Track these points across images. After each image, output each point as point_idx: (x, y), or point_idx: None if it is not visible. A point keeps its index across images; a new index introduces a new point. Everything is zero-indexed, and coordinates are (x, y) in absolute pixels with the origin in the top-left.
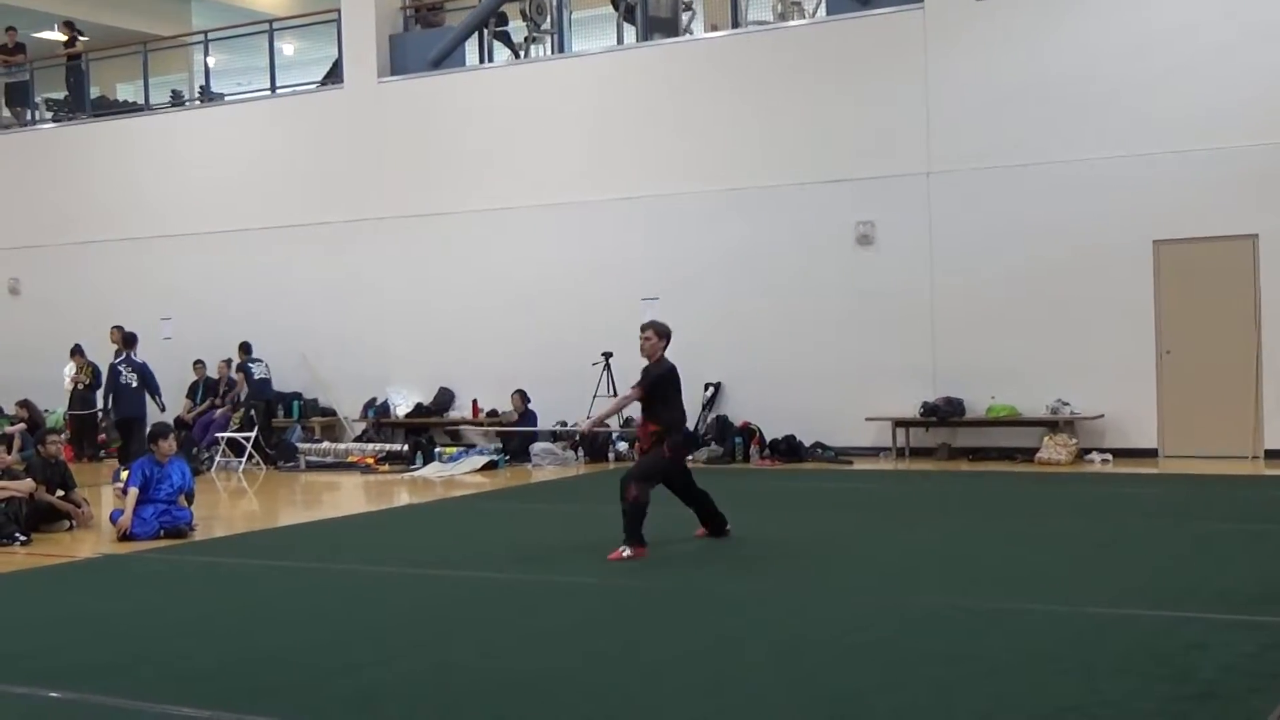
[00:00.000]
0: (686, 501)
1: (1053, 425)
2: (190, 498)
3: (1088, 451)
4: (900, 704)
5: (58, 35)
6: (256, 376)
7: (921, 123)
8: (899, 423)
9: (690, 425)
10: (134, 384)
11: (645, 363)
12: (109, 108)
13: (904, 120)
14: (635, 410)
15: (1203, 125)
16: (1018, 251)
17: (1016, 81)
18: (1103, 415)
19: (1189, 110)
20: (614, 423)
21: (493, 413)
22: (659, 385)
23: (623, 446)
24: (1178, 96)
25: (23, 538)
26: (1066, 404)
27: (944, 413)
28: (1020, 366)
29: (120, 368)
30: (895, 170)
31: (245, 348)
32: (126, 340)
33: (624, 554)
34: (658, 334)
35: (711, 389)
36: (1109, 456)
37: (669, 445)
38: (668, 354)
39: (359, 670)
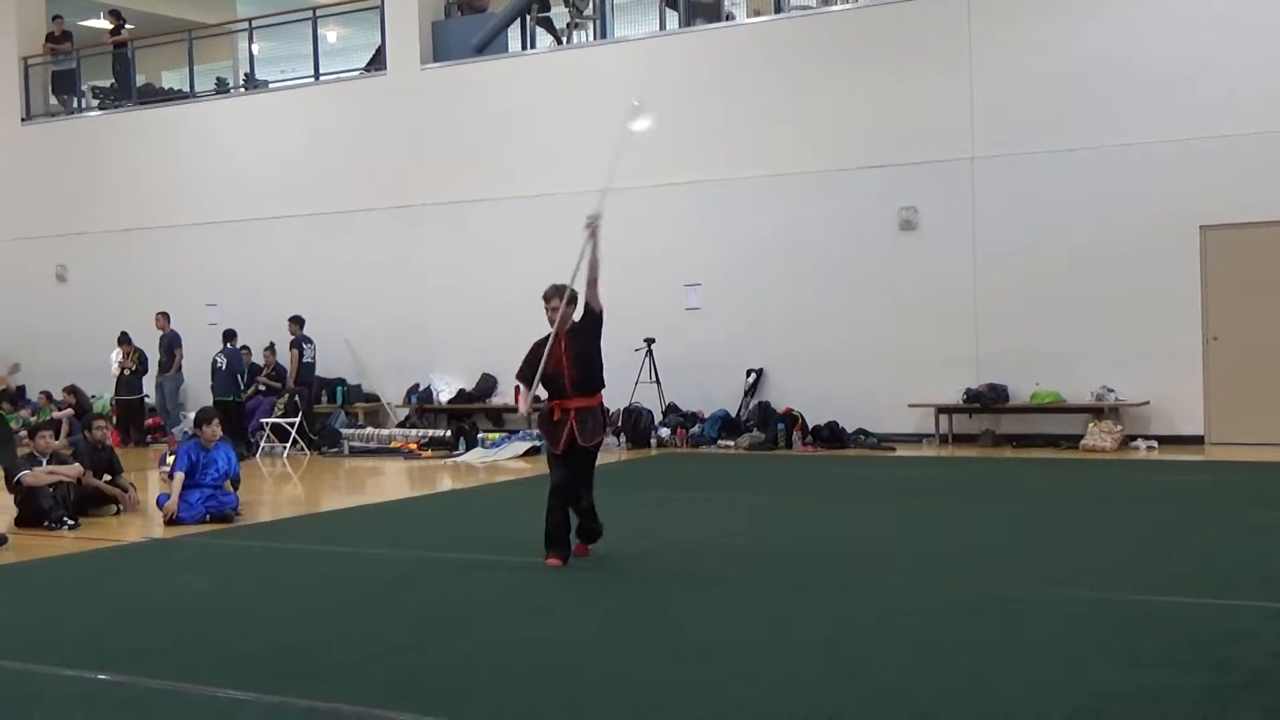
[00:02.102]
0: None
1: (1098, 412)
2: (236, 483)
3: (1133, 438)
4: (941, 691)
5: (104, 23)
6: (304, 359)
7: (965, 108)
8: (942, 409)
9: (732, 411)
10: (223, 367)
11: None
12: (154, 95)
13: (947, 105)
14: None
15: (1250, 109)
16: (1062, 237)
17: (1061, 65)
18: (1148, 402)
19: (1236, 94)
20: (655, 409)
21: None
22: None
23: (665, 433)
24: (1224, 80)
25: (70, 522)
26: (1112, 390)
27: (987, 399)
28: (1065, 352)
29: (217, 357)
30: (939, 156)
31: (298, 321)
32: (226, 336)
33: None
34: (567, 303)
35: (754, 375)
36: (1154, 443)
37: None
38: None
39: (400, 654)
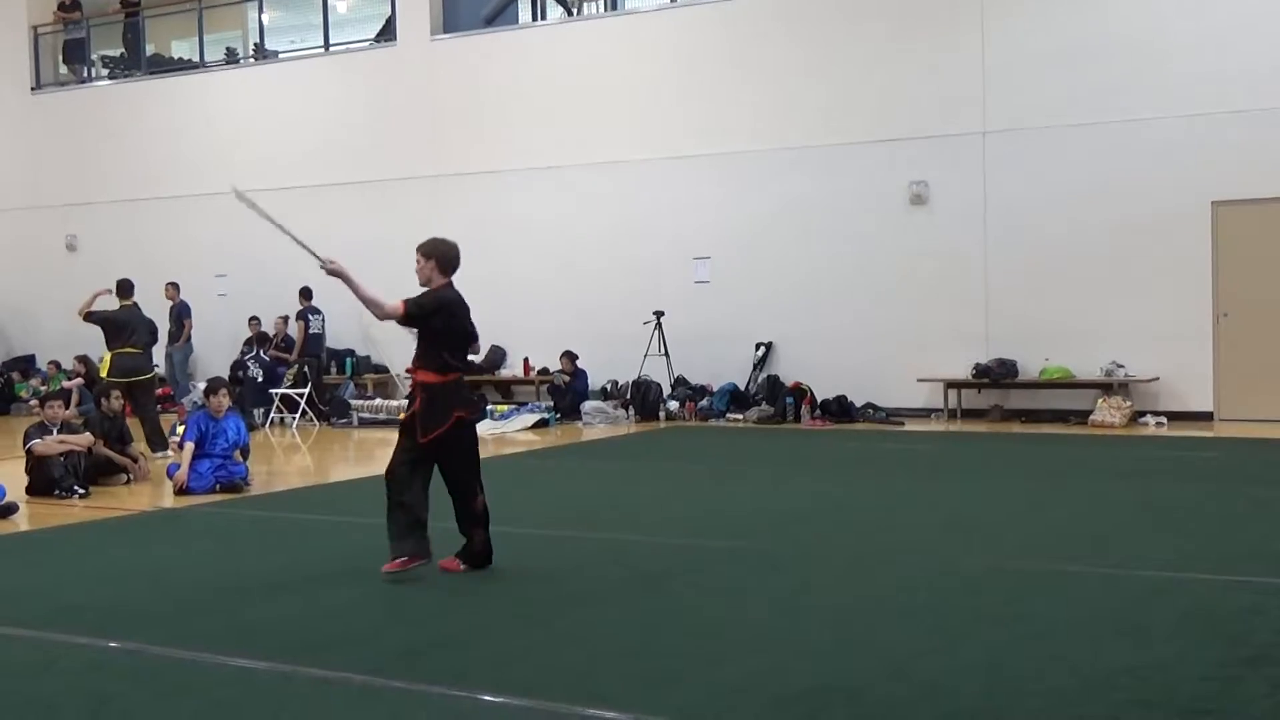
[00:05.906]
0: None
1: (1107, 388)
2: (245, 453)
3: (1142, 414)
4: (951, 665)
5: None
6: (312, 330)
7: (978, 82)
8: (951, 384)
9: (741, 385)
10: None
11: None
12: (164, 65)
13: (960, 79)
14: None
15: (1263, 84)
16: (1073, 212)
17: (1074, 40)
18: (1158, 378)
19: (1249, 69)
20: (664, 383)
21: (544, 371)
22: (423, 318)
23: (673, 405)
24: (1238, 55)
25: (81, 491)
26: (1121, 366)
27: (997, 374)
28: (1075, 328)
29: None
30: (950, 130)
31: (306, 293)
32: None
33: (399, 563)
34: (425, 255)
35: (763, 349)
36: (1164, 420)
37: (421, 425)
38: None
39: (408, 625)
